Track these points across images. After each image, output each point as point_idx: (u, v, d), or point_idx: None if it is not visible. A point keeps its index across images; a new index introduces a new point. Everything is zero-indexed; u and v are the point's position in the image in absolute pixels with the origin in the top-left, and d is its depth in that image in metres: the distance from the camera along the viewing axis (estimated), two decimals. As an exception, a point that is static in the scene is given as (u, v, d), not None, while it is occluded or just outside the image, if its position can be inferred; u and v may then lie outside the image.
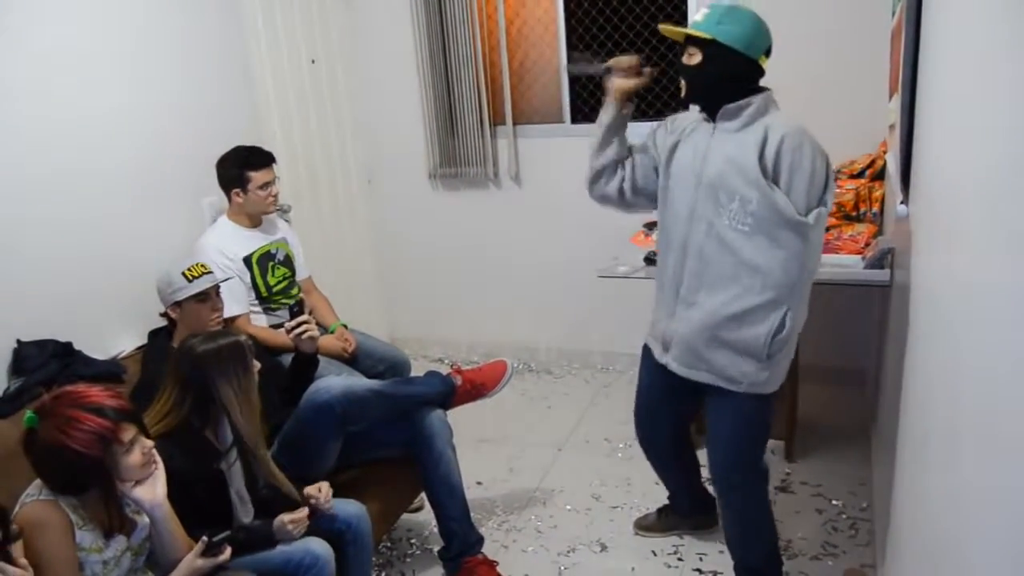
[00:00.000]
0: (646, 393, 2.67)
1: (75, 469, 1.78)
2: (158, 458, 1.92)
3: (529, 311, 4.53)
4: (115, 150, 2.92)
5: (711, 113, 2.27)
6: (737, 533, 2.55)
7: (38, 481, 1.84)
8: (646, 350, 2.58)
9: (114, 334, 2.87)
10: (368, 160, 4.54)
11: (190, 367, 2.15)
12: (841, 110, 3.41)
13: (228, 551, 1.96)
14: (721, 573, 2.73)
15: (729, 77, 2.20)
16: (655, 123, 2.50)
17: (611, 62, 2.42)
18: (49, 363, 2.54)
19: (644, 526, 2.99)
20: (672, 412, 2.66)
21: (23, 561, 1.65)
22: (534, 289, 4.47)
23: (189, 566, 1.93)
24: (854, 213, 3.22)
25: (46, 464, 1.81)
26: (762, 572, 2.56)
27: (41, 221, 2.63)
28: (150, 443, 1.90)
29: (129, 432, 1.83)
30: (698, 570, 2.78)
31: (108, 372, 2.65)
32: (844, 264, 2.83)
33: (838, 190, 3.22)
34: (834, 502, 3.06)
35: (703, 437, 2.54)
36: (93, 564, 1.84)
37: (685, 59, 2.24)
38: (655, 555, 2.87)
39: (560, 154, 4.15)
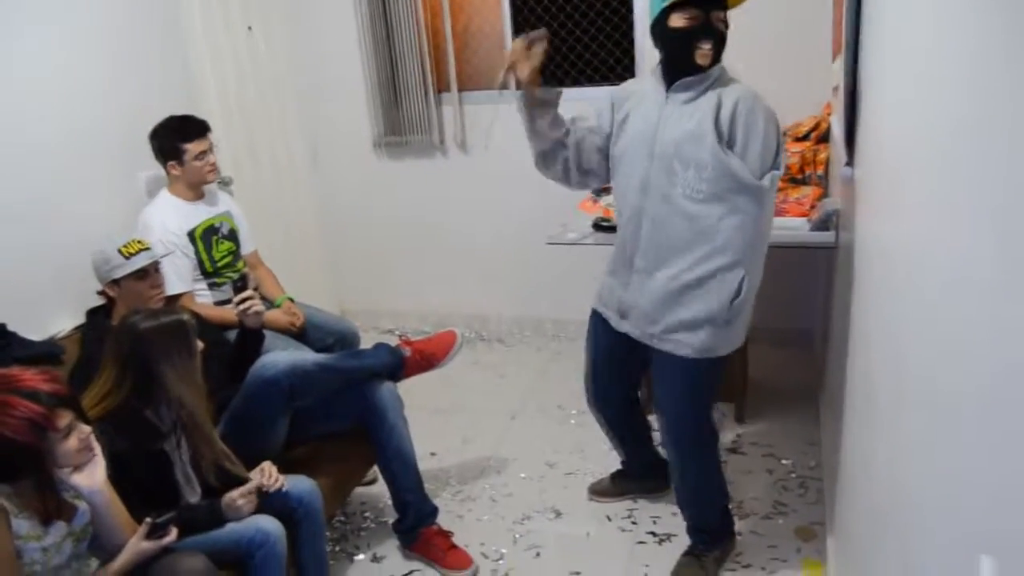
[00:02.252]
0: (596, 358, 2.67)
1: (8, 457, 1.71)
2: (96, 443, 1.87)
3: (479, 280, 4.51)
4: (43, 123, 2.81)
5: (672, 81, 2.23)
6: (689, 494, 2.58)
7: None
8: (596, 316, 2.58)
9: (51, 314, 2.78)
10: (310, 130, 4.44)
11: (131, 345, 2.09)
12: (785, 72, 3.41)
13: (174, 532, 1.92)
14: (675, 535, 2.76)
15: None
16: (608, 88, 2.45)
17: (507, 65, 2.29)
18: (-18, 345, 2.45)
19: (598, 491, 3.01)
20: (622, 376, 2.67)
21: None
22: (483, 257, 4.44)
23: (134, 549, 1.89)
24: (799, 176, 3.25)
25: None
26: (715, 532, 2.60)
27: (-33, 199, 2.53)
28: (88, 429, 1.84)
29: (65, 418, 1.77)
30: (652, 533, 2.80)
31: (46, 353, 2.57)
32: (790, 227, 2.85)
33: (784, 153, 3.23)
34: (784, 462, 3.11)
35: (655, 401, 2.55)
36: (32, 552, 1.78)
37: (722, 26, 2.17)
38: (609, 520, 2.89)
39: (506, 120, 4.08)
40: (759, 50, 3.41)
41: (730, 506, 2.66)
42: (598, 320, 2.57)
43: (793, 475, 3.02)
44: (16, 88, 2.71)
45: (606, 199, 3.19)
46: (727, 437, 3.27)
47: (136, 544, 1.89)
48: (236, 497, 2.12)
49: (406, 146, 4.36)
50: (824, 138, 3.32)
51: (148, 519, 1.89)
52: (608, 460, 3.11)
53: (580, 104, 2.78)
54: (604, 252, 2.52)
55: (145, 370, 2.08)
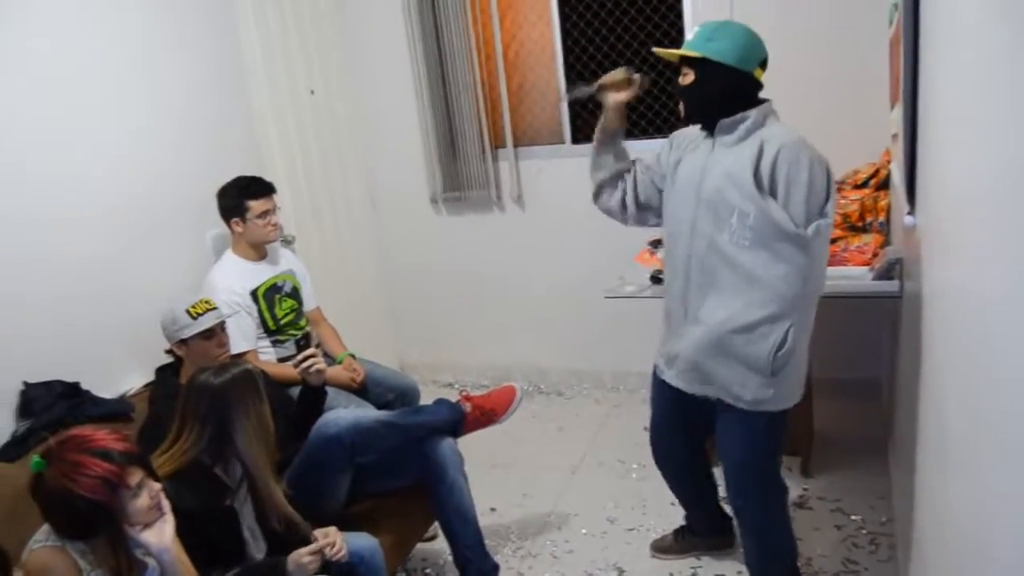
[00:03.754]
0: (659, 412, 2.65)
1: (82, 514, 1.75)
2: (165, 501, 1.90)
3: (537, 333, 4.51)
4: (115, 187, 2.93)
5: (710, 129, 2.27)
6: (755, 551, 2.52)
7: (46, 526, 1.82)
8: (655, 369, 2.56)
9: (121, 372, 2.86)
10: (370, 187, 4.54)
11: (207, 403, 2.13)
12: (843, 120, 3.40)
13: None
14: (742, 595, 2.69)
15: (724, 93, 2.21)
16: (662, 140, 2.50)
17: (602, 80, 2.43)
18: (56, 404, 2.53)
19: (661, 548, 2.95)
20: (686, 430, 2.63)
21: None
22: (542, 310, 4.45)
23: None
24: (860, 224, 3.20)
25: (53, 509, 1.79)
26: (782, 591, 2.53)
27: (43, 261, 2.64)
28: (157, 486, 1.87)
29: (136, 476, 1.81)
30: (718, 592, 2.74)
31: (116, 411, 2.64)
32: (852, 276, 2.81)
33: (843, 201, 3.20)
34: (853, 517, 3.01)
35: (718, 454, 2.52)
36: None
37: (680, 79, 2.26)
38: (673, 578, 2.84)
39: (562, 175, 4.14)
40: (816, 97, 3.41)
41: (798, 564, 2.58)
42: (656, 371, 2.56)
43: (863, 531, 2.93)
44: (88, 151, 2.84)
45: (663, 251, 3.18)
46: (793, 492, 3.18)
47: None
48: (303, 554, 2.13)
49: (464, 201, 4.42)
50: (884, 185, 3.27)
51: None
52: (671, 515, 3.05)
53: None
54: (662, 304, 2.51)
55: (222, 424, 2.12)
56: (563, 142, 4.22)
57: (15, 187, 2.57)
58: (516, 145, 4.25)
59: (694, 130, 2.38)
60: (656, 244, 3.28)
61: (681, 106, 2.32)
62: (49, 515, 1.80)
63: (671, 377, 2.42)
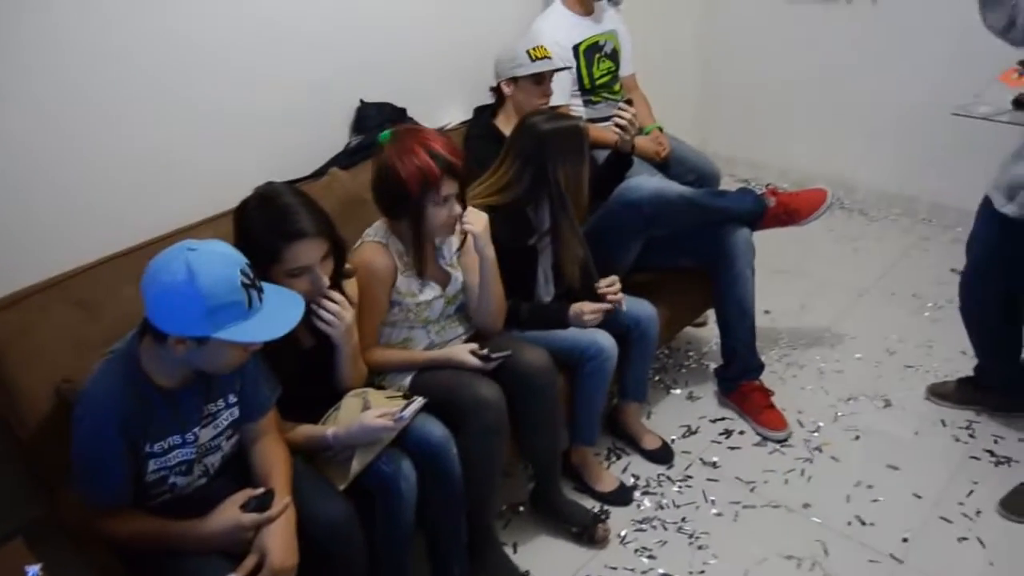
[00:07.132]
0: (981, 251, 2.41)
1: (396, 196, 1.94)
2: (470, 220, 2.01)
3: (854, 142, 4.16)
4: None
5: None
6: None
7: (379, 223, 2.05)
8: (986, 201, 2.31)
9: (442, 106, 3.00)
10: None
11: (532, 145, 2.21)
12: None
13: (496, 362, 2.04)
14: (1016, 462, 2.50)
15: None
16: None
17: None
18: (385, 125, 2.71)
19: (939, 393, 2.79)
20: (1007, 276, 2.39)
21: (339, 297, 1.82)
22: (865, 118, 4.07)
23: (448, 355, 2.07)
24: None
25: (379, 182, 1.99)
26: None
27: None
28: (459, 210, 1.99)
29: (449, 187, 1.94)
30: (989, 451, 2.56)
31: (434, 141, 2.80)
32: None
33: None
34: None
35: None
36: (408, 305, 2.05)
37: None
38: (943, 425, 2.69)
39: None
40: None
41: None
42: (987, 204, 2.30)
43: None
44: None
45: (1038, 74, 2.75)
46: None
47: (457, 353, 2.06)
48: (586, 311, 2.24)
49: (807, -13, 4.03)
50: None
51: (480, 350, 2.04)
52: (958, 364, 2.86)
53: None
54: (1017, 135, 2.20)
55: (541, 169, 2.20)
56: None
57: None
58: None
59: None
60: (1029, 65, 2.84)
61: None
62: (375, 185, 2.01)
63: (1009, 209, 2.16)
